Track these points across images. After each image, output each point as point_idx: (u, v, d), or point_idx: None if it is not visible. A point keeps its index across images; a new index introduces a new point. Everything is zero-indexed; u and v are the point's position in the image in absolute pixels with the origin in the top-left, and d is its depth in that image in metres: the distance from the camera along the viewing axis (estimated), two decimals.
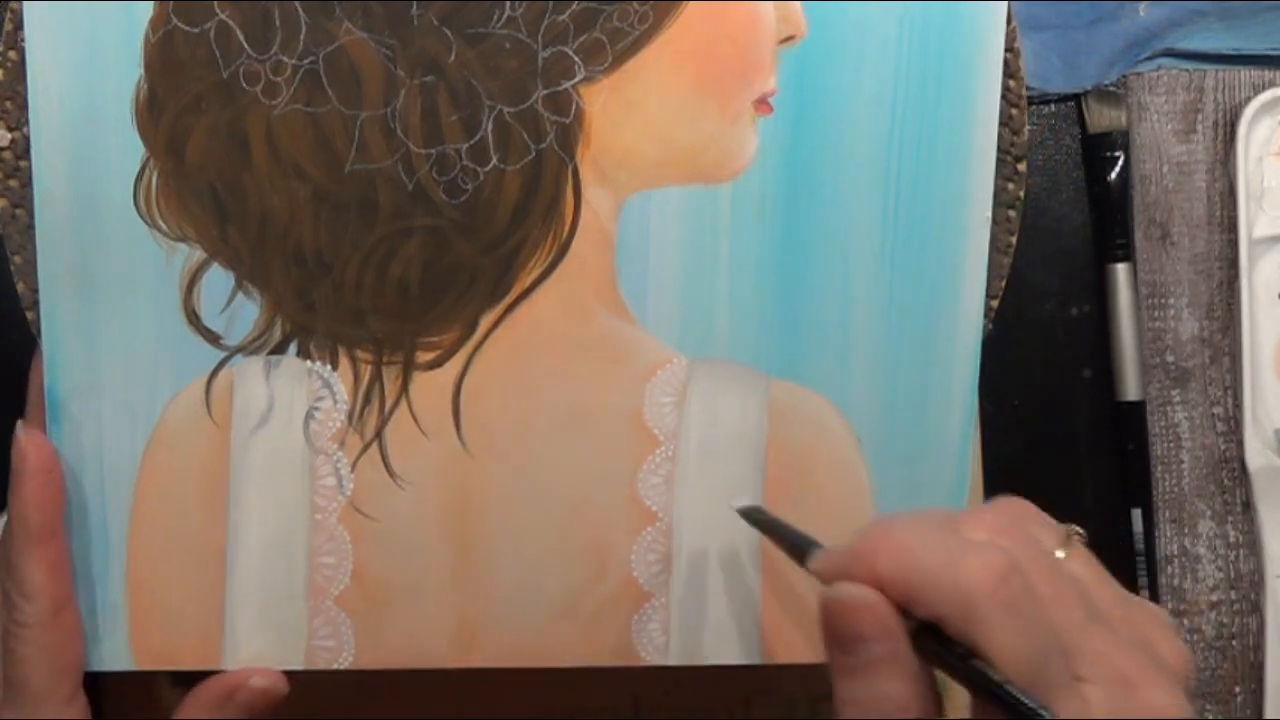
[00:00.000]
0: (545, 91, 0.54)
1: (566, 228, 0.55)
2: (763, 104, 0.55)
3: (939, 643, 0.44)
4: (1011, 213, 0.57)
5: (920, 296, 0.56)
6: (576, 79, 0.54)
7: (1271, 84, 0.68)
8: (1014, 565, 0.44)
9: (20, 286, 0.54)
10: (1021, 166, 0.57)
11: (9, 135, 0.53)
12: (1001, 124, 0.56)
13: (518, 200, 0.54)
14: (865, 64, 0.55)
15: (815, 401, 0.57)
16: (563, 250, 0.55)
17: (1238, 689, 0.70)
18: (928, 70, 0.55)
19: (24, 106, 0.52)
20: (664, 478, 0.57)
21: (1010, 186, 0.57)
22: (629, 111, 0.54)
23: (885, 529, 0.46)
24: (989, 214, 0.56)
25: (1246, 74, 0.68)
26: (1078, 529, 0.48)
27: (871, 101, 0.55)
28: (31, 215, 0.53)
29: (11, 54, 0.53)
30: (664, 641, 0.57)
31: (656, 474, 0.57)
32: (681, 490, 0.57)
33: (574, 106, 0.54)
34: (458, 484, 0.56)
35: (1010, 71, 0.56)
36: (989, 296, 0.57)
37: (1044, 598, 0.44)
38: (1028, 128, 0.57)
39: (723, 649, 0.58)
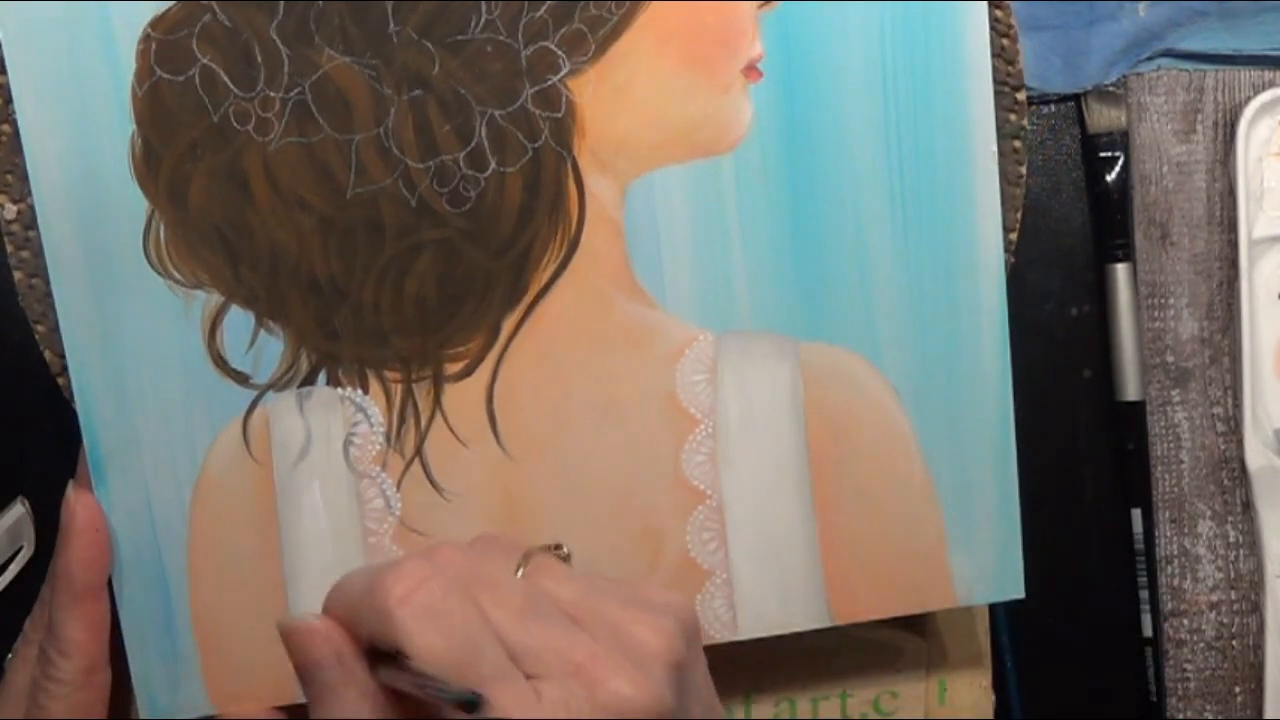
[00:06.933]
0: (533, 89, 0.54)
1: (574, 222, 0.55)
2: (752, 70, 0.55)
3: (384, 665, 0.45)
4: (1017, 143, 0.57)
5: (937, 239, 0.56)
6: (562, 72, 0.54)
7: (1271, 84, 0.67)
8: (431, 574, 0.44)
9: (48, 355, 0.55)
10: (1020, 95, 0.57)
11: (15, 208, 0.54)
12: (994, 55, 0.55)
13: (522, 201, 0.54)
14: (850, 15, 0.55)
15: (848, 359, 0.57)
16: (573, 245, 0.55)
17: (1238, 689, 0.70)
18: (913, 12, 0.55)
19: (25, 178, 0.53)
20: (707, 455, 0.57)
21: (1012, 117, 0.57)
22: (619, 97, 0.54)
23: (343, 577, 0.47)
24: (994, 147, 0.56)
25: (1246, 74, 0.67)
26: (555, 547, 0.48)
27: (861, 51, 0.55)
28: (48, 283, 0.53)
29: (4, 127, 0.53)
30: (730, 617, 0.57)
31: (699, 452, 0.57)
32: (727, 465, 0.57)
33: (564, 100, 0.54)
34: (503, 489, 0.56)
35: (996, 2, 0.56)
36: (1006, 230, 0.57)
37: (480, 602, 0.44)
38: (1021, 57, 0.56)
39: (790, 617, 0.58)
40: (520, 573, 0.47)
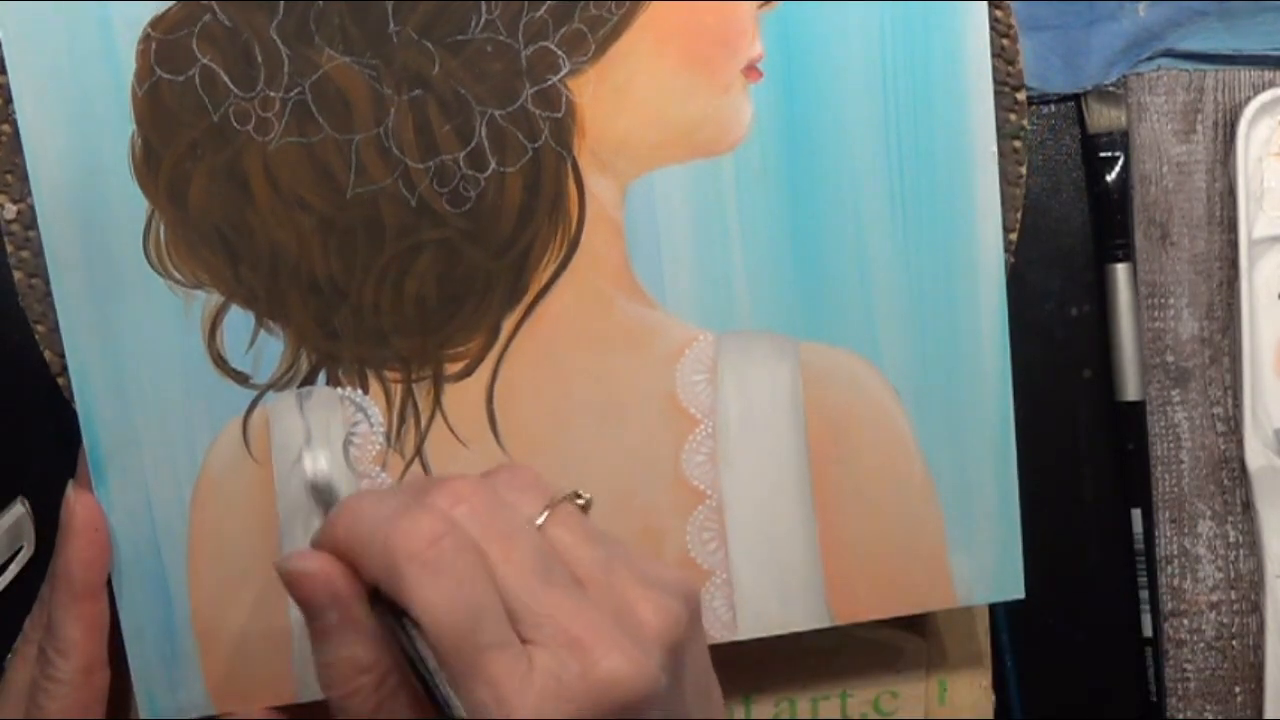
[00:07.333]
0: (533, 89, 0.54)
1: (574, 222, 0.55)
2: (752, 70, 0.55)
3: (384, 607, 0.44)
4: (1017, 143, 0.57)
5: (937, 239, 0.56)
6: (562, 72, 0.54)
7: (1271, 84, 0.67)
8: (447, 528, 0.43)
9: (48, 355, 0.55)
10: (1020, 95, 0.57)
11: (14, 208, 0.54)
12: (994, 55, 0.55)
13: (522, 201, 0.54)
14: (850, 15, 0.55)
15: (847, 360, 0.57)
16: (573, 245, 0.55)
17: (1238, 689, 0.70)
18: (913, 13, 0.55)
19: (25, 178, 0.53)
20: (707, 455, 0.57)
21: (1012, 117, 0.57)
22: (619, 97, 0.54)
23: (352, 498, 0.46)
24: (994, 148, 0.56)
25: (1246, 74, 0.67)
26: (579, 495, 0.48)
27: (862, 51, 0.55)
28: (48, 283, 0.53)
29: (4, 127, 0.53)
30: (730, 617, 0.57)
31: (699, 452, 0.57)
32: (726, 465, 0.57)
33: (564, 100, 0.54)
34: None
35: (996, 2, 0.56)
36: (1006, 230, 0.57)
37: (493, 561, 0.44)
38: (1021, 57, 0.56)
39: (790, 617, 0.58)
40: (542, 519, 0.46)
